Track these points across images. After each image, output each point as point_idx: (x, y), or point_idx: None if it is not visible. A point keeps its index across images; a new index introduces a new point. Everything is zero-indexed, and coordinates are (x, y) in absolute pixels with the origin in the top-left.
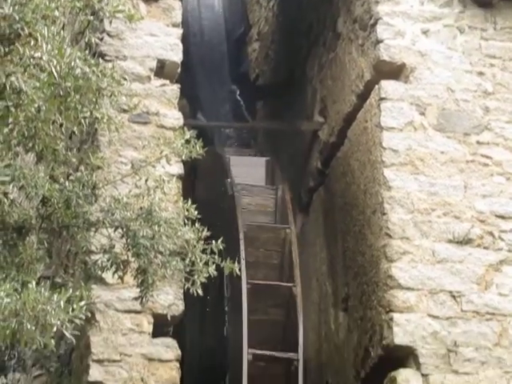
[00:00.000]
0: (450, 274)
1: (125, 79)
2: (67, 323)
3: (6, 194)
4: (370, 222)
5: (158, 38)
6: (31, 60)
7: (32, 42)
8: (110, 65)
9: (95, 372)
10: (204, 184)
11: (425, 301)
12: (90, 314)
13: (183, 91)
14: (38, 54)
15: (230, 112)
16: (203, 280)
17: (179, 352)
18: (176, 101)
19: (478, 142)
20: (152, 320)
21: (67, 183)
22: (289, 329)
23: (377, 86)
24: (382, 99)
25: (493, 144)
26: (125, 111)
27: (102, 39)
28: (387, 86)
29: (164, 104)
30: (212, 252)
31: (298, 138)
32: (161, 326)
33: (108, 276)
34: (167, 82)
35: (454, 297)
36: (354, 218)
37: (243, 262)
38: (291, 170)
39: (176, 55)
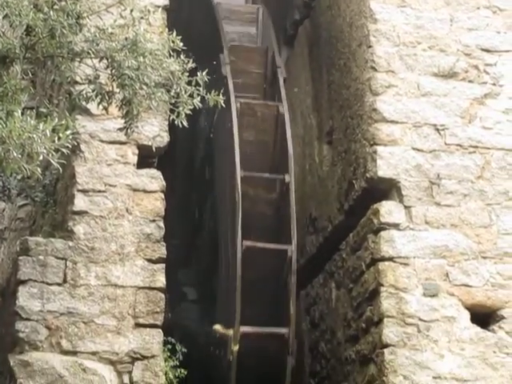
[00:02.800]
0: (434, 107)
1: None
2: (53, 152)
3: None
4: (355, 55)
5: None
6: None
7: None
8: None
9: (80, 201)
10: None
11: (409, 134)
12: (75, 144)
13: None
14: None
15: None
16: (188, 112)
17: (164, 183)
18: None
19: None
20: (137, 151)
21: (51, 12)
22: (277, 150)
23: None
24: None
25: None
26: None
27: None
28: None
29: None
30: (197, 84)
31: None
32: (146, 158)
33: (93, 107)
34: None
35: (437, 130)
36: (339, 51)
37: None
38: (276, 3)
39: None
